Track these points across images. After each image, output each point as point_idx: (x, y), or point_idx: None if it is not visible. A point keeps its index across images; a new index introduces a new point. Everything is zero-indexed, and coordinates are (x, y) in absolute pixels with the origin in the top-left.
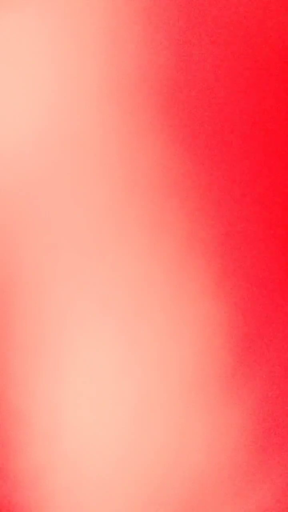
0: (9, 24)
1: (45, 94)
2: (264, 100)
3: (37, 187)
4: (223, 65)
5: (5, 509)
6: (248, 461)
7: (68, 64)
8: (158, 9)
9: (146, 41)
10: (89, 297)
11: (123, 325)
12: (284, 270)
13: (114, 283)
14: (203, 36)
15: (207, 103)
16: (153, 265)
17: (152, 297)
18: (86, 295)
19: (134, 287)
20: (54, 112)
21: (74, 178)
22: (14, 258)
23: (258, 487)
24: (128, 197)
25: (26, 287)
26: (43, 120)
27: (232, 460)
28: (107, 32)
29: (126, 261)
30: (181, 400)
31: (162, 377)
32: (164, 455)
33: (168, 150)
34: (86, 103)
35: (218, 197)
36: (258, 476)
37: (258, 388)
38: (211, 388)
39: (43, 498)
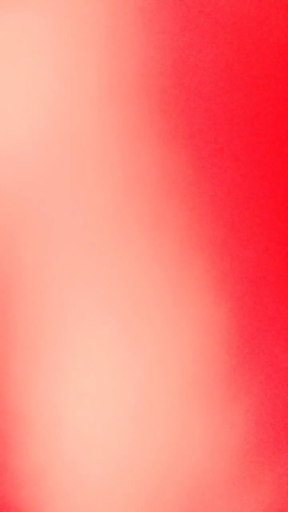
0: (9, 24)
1: (45, 94)
2: (264, 100)
3: (37, 187)
4: (223, 65)
5: (5, 509)
6: (248, 461)
7: (68, 64)
8: (158, 9)
9: (146, 41)
10: (89, 297)
11: (123, 325)
12: (284, 271)
13: (114, 283)
14: (203, 36)
15: (207, 103)
16: (153, 265)
17: (152, 297)
18: (86, 295)
19: (134, 287)
20: (54, 112)
21: (74, 178)
22: (14, 258)
23: (258, 487)
24: (128, 197)
25: (26, 287)
26: (43, 120)
27: (232, 460)
28: (107, 32)
29: (126, 261)
30: (181, 400)
31: (162, 377)
32: (164, 455)
33: (168, 150)
34: (86, 103)
35: (218, 197)
36: (258, 476)
37: (258, 388)
38: (211, 388)
39: (43, 498)
